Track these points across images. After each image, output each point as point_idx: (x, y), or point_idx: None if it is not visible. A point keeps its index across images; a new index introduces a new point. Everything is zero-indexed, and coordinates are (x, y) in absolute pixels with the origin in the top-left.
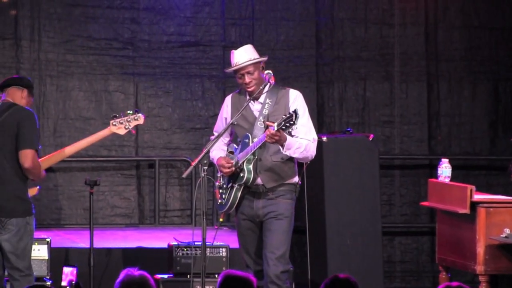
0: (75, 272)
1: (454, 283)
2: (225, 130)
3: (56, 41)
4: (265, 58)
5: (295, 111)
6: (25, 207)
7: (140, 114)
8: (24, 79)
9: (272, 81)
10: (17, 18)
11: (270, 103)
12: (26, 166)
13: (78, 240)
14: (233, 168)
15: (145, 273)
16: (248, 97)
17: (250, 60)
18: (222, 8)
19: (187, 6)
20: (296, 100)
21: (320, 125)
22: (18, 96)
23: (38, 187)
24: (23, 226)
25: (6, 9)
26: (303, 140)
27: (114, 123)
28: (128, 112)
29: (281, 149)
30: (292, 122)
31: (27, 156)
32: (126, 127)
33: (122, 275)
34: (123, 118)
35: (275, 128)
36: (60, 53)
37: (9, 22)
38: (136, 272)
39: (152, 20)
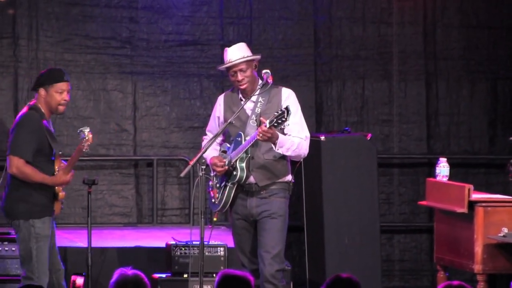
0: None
1: (455, 282)
2: (223, 130)
3: (54, 40)
4: (258, 57)
5: (287, 108)
6: (27, 209)
7: (87, 131)
8: (39, 77)
9: (270, 80)
10: (15, 17)
11: (262, 101)
12: (9, 172)
13: (76, 239)
14: (226, 167)
15: (139, 272)
16: (240, 95)
17: (243, 58)
18: (220, 7)
19: (185, 5)
20: (288, 98)
21: (318, 124)
22: (39, 99)
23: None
24: (26, 228)
25: (4, 8)
26: (296, 138)
27: (83, 143)
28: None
29: (273, 147)
30: (284, 119)
31: (10, 162)
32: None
33: (115, 275)
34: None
35: (267, 125)
36: (58, 52)
37: (7, 21)
38: (129, 271)
39: (150, 19)
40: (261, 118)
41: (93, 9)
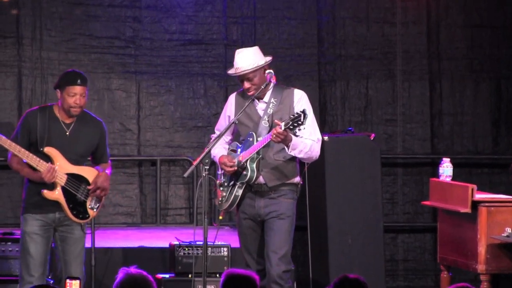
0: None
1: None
2: (226, 129)
3: (57, 40)
4: (268, 61)
5: (303, 111)
6: (23, 207)
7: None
8: (58, 78)
9: (274, 80)
10: (18, 17)
11: (274, 102)
12: None
13: None
14: (235, 168)
15: (143, 271)
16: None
17: (247, 70)
18: (224, 7)
19: (189, 4)
20: (301, 100)
21: (322, 124)
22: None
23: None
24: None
25: (7, 8)
26: (308, 141)
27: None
28: None
29: (286, 149)
30: (300, 122)
31: None
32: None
33: (120, 274)
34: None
35: (283, 128)
36: (62, 52)
37: (11, 21)
38: (134, 270)
39: (154, 19)
40: (276, 121)
41: (96, 9)
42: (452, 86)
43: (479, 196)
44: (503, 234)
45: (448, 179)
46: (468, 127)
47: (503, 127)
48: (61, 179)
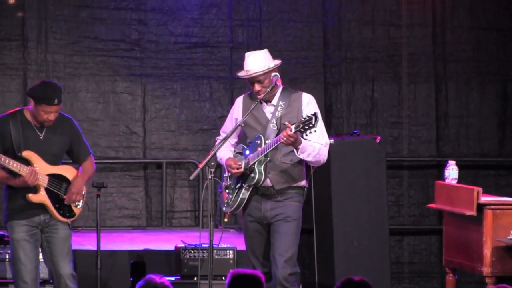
0: None
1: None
2: (232, 132)
3: (63, 43)
4: (277, 64)
5: (314, 114)
6: (5, 213)
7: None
8: (33, 87)
9: (279, 83)
10: (24, 20)
11: (283, 105)
12: None
13: (85, 242)
14: (242, 170)
15: (167, 281)
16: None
17: (258, 72)
18: (229, 9)
19: (194, 7)
20: (309, 104)
21: (328, 126)
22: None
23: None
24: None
25: (13, 11)
26: (316, 144)
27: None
28: None
29: (295, 152)
30: (311, 125)
31: None
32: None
33: (143, 279)
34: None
35: (293, 130)
36: (67, 55)
37: (16, 24)
38: (158, 278)
39: (159, 21)
40: (286, 123)
41: (102, 12)
42: (458, 88)
43: (484, 199)
44: (508, 237)
45: (454, 182)
46: (474, 129)
47: (509, 129)
48: (43, 181)
